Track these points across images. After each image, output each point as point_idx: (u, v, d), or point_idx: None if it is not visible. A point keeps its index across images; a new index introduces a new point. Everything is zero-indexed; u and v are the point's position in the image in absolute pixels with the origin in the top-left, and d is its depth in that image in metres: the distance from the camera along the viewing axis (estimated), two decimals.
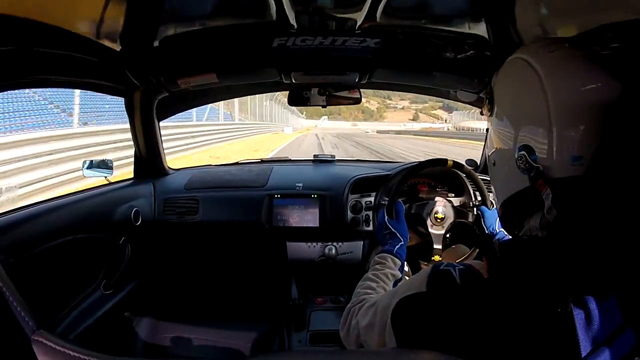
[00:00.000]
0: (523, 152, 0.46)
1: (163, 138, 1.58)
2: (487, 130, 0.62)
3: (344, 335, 0.67)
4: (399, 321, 0.50)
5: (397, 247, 0.87)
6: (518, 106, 0.50)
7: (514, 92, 0.52)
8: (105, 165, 1.37)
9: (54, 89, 8.74)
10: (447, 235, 1.22)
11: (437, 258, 1.18)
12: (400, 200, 0.99)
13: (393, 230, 0.92)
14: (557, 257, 0.42)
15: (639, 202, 0.39)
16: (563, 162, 0.44)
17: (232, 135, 16.20)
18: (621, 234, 0.40)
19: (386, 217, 0.95)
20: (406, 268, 1.27)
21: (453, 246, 1.27)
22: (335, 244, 1.49)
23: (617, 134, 0.41)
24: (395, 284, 0.79)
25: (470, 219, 1.21)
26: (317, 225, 1.49)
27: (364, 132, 50.06)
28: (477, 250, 1.14)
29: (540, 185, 0.45)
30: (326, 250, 1.47)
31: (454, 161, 1.20)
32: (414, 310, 0.48)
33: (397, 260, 0.84)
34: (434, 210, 1.21)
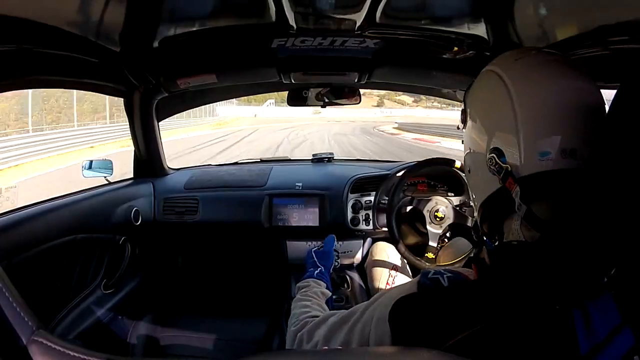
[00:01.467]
0: (493, 155, 0.49)
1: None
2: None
3: None
4: (397, 321, 0.50)
5: (316, 272, 0.92)
6: (487, 113, 0.53)
7: (483, 100, 0.55)
8: (104, 165, 1.38)
9: None
10: (445, 235, 1.22)
11: (430, 255, 1.18)
12: (332, 235, 1.08)
13: (316, 260, 0.98)
14: (548, 258, 0.42)
15: (627, 196, 0.39)
16: (530, 160, 0.46)
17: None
18: (613, 229, 0.40)
19: (314, 251, 1.02)
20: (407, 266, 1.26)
21: (448, 243, 1.27)
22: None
23: (610, 131, 0.41)
24: (327, 302, 0.82)
25: (469, 223, 1.21)
26: (317, 224, 1.49)
27: (372, 127, 23.65)
28: (469, 256, 1.14)
29: (509, 184, 0.47)
30: None
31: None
32: (409, 310, 0.48)
33: (320, 282, 0.88)
34: (435, 209, 1.21)
